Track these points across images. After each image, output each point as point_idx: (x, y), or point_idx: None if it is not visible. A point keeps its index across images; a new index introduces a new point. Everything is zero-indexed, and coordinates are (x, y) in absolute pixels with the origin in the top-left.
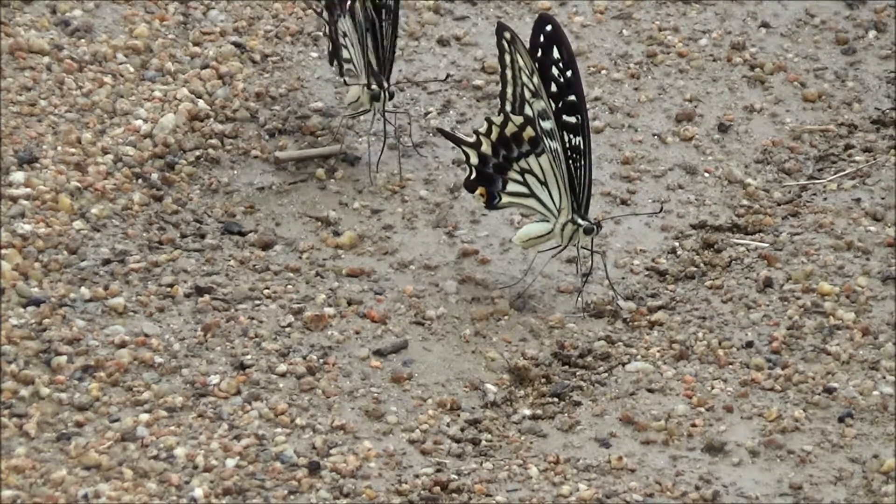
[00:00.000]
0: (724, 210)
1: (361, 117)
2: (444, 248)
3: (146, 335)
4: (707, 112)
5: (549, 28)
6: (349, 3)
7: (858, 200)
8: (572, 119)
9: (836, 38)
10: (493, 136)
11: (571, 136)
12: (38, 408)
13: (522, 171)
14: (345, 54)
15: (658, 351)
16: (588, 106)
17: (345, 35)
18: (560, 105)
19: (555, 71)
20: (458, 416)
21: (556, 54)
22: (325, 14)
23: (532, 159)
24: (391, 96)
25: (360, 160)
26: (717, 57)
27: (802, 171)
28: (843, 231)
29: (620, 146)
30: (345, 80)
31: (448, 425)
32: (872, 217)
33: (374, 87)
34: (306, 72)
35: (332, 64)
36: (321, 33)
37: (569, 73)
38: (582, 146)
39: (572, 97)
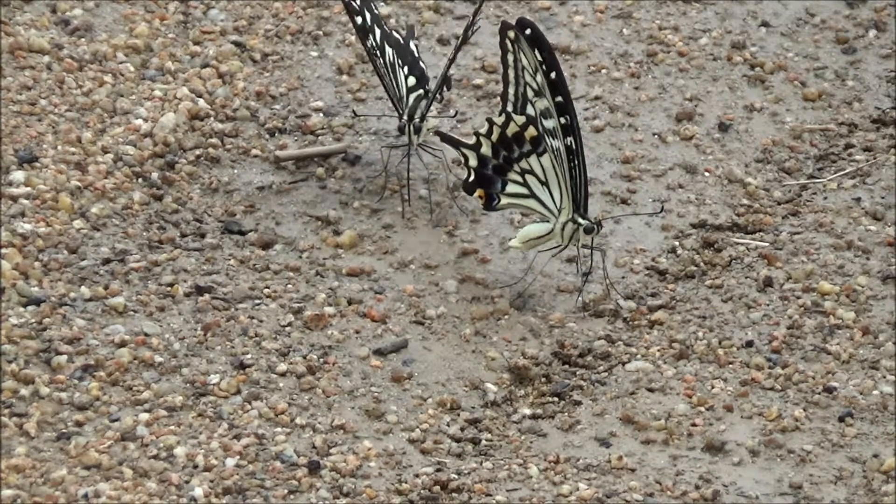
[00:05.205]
0: (724, 209)
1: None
2: (444, 247)
3: (146, 334)
4: (707, 111)
5: (528, 32)
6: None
7: (858, 200)
8: (561, 120)
9: (837, 37)
10: (495, 136)
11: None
12: (38, 407)
13: (523, 172)
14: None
15: (658, 350)
16: (588, 105)
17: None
18: None
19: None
20: (459, 415)
21: (538, 57)
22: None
23: (533, 159)
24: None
25: (360, 159)
26: (717, 56)
27: (802, 171)
28: (843, 230)
29: (620, 145)
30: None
31: (448, 425)
32: (872, 216)
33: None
34: (306, 71)
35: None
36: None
37: (552, 76)
38: (574, 146)
39: (559, 98)
